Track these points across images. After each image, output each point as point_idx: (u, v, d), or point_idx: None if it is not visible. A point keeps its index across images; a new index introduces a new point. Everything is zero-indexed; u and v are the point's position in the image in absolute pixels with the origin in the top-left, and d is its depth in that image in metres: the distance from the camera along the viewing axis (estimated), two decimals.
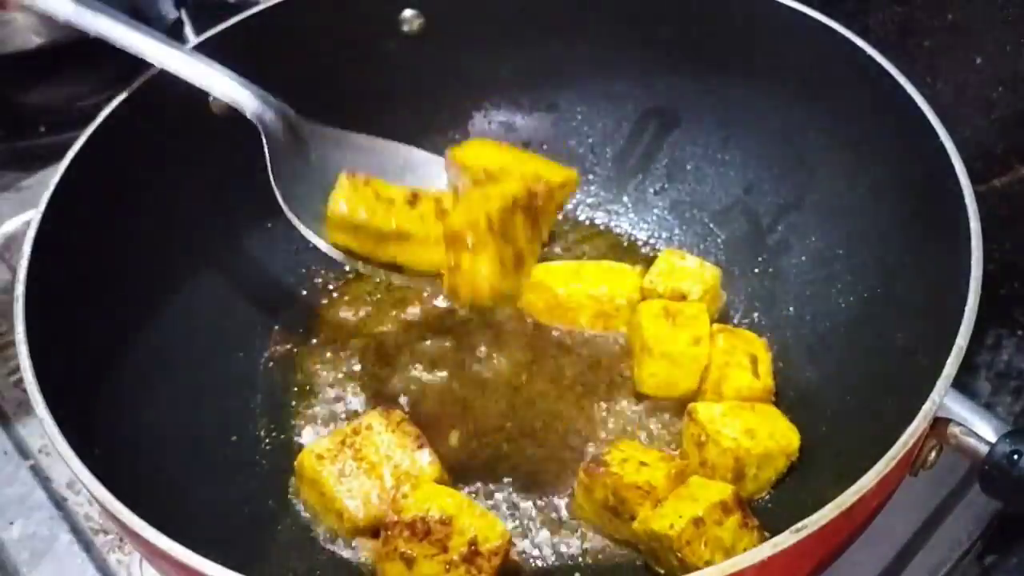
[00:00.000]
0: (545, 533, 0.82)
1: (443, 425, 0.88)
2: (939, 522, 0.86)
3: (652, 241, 1.03)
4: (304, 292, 0.99)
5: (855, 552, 0.68)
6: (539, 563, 0.80)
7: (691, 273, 0.93)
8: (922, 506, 0.87)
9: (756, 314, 0.94)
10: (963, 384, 0.94)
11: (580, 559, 0.80)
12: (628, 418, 0.88)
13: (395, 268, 0.79)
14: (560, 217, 1.05)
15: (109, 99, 0.84)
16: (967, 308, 0.66)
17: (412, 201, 0.77)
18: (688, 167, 1.03)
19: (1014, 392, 0.95)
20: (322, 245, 0.79)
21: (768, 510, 0.80)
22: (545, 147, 1.06)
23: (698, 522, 0.72)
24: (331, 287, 1.00)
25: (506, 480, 0.85)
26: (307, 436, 0.89)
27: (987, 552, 0.84)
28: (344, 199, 0.77)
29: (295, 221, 0.79)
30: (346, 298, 0.99)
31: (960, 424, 0.66)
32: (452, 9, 0.99)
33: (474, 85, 1.05)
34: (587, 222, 1.05)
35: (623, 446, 0.81)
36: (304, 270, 1.00)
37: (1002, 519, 0.85)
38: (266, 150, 0.81)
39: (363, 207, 0.77)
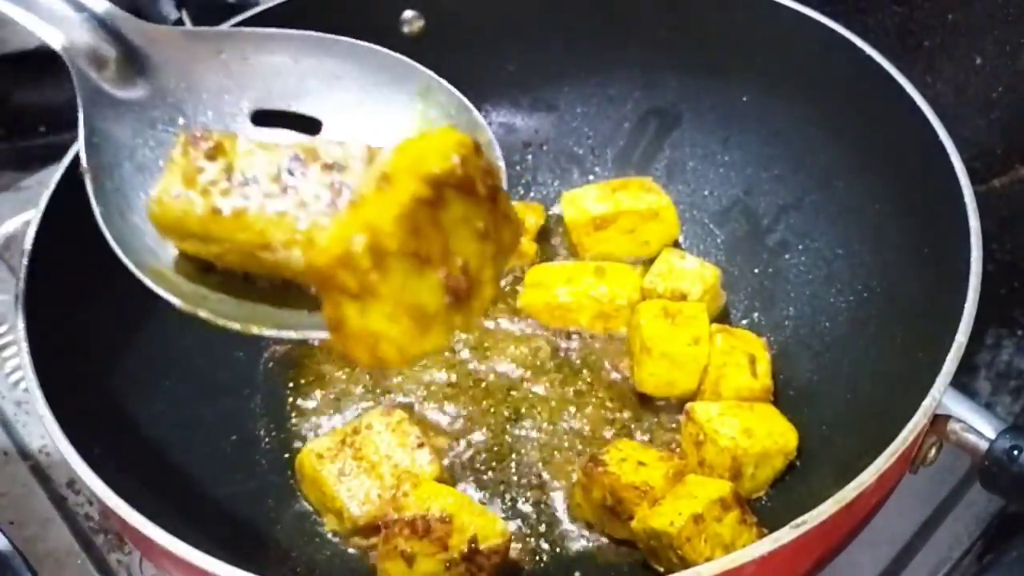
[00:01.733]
0: (544, 533, 0.81)
1: (443, 425, 0.89)
2: (939, 522, 0.86)
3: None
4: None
5: (855, 552, 0.68)
6: (538, 563, 0.80)
7: (691, 273, 0.92)
8: (922, 505, 0.87)
9: (756, 314, 0.94)
10: (963, 384, 0.94)
11: (579, 558, 0.80)
12: (628, 418, 0.88)
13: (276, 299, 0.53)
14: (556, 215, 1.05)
15: None
16: (967, 306, 0.66)
17: (292, 171, 0.46)
18: (688, 167, 1.03)
19: (1014, 392, 0.95)
20: (149, 283, 0.54)
21: (768, 508, 0.80)
22: (545, 147, 1.06)
23: (698, 519, 0.72)
24: None
25: (505, 481, 0.85)
26: (307, 436, 0.89)
27: (987, 552, 0.84)
28: (176, 184, 0.48)
29: (115, 248, 0.54)
30: None
31: (960, 421, 0.66)
32: (452, 10, 0.99)
33: (474, 85, 1.05)
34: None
35: (622, 445, 0.81)
36: None
37: (1002, 519, 0.85)
38: (80, 108, 0.56)
39: (200, 198, 0.48)
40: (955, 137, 0.77)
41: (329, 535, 0.81)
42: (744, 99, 0.97)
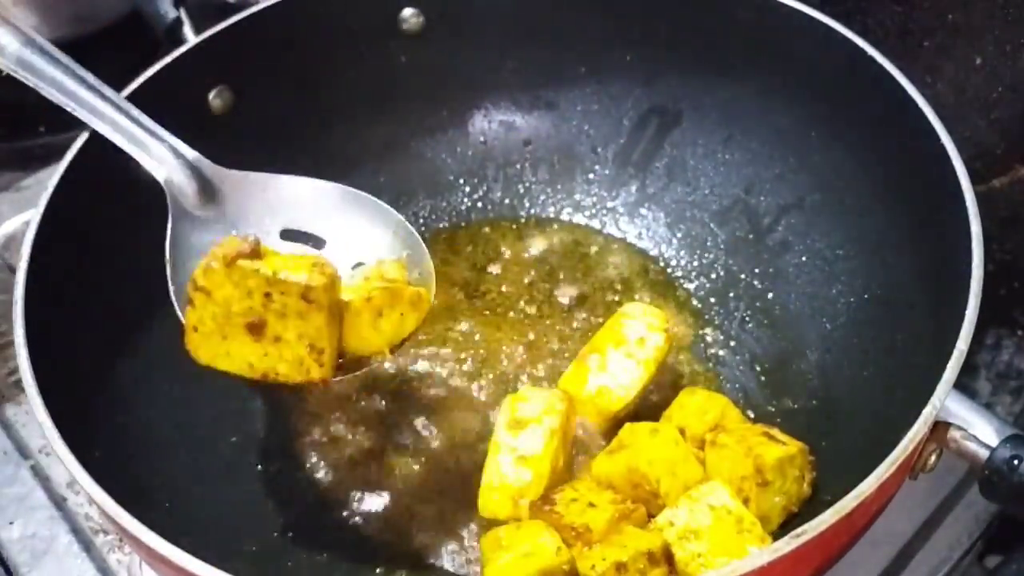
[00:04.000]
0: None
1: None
2: (939, 522, 0.86)
3: (652, 241, 1.02)
4: None
5: (855, 552, 0.68)
6: None
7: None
8: (922, 507, 0.87)
9: (756, 315, 0.94)
10: (963, 384, 0.93)
11: None
12: None
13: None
14: (556, 214, 1.05)
15: None
16: (968, 311, 0.66)
17: (268, 294, 0.66)
18: (689, 166, 1.02)
19: (1014, 392, 0.95)
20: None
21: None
22: (545, 146, 1.06)
23: (620, 567, 0.70)
24: None
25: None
26: (307, 434, 0.89)
27: (987, 553, 0.85)
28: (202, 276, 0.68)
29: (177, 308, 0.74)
30: None
31: (960, 428, 0.66)
32: (452, 8, 0.99)
33: (474, 84, 1.05)
34: (585, 223, 1.05)
35: (579, 485, 0.78)
36: None
37: (1002, 520, 0.85)
38: (170, 220, 0.77)
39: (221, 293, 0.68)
40: (955, 137, 0.76)
41: (331, 537, 0.81)
42: (745, 98, 0.97)
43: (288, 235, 0.82)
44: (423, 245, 0.81)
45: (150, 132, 0.79)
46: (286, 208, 0.82)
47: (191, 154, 0.79)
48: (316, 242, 0.82)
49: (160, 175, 0.78)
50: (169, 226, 0.78)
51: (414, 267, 0.80)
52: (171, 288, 0.75)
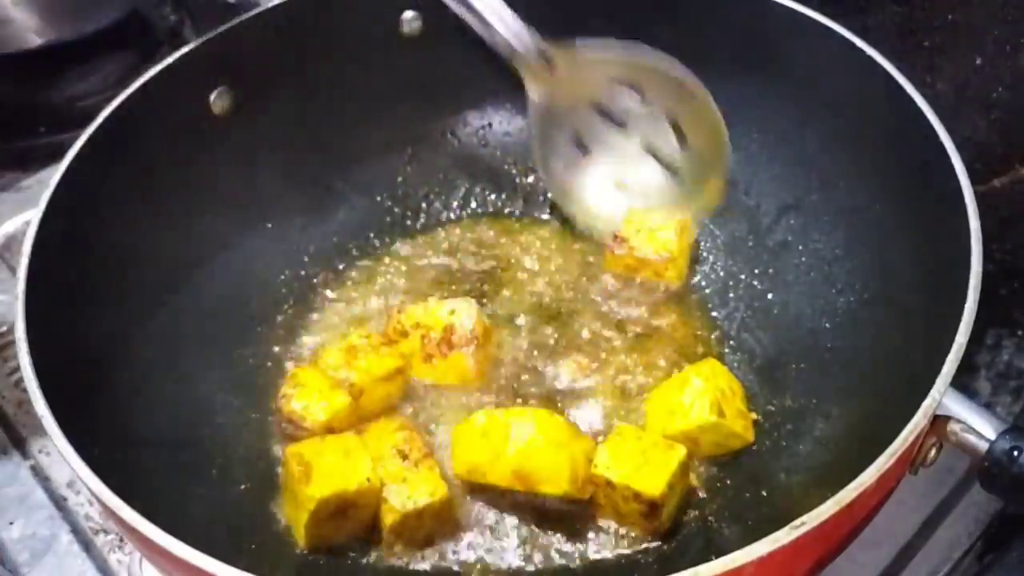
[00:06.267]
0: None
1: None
2: (939, 522, 0.86)
3: None
4: (304, 291, 0.99)
5: (855, 552, 0.68)
6: None
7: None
8: (922, 506, 0.87)
9: (756, 315, 0.94)
10: (963, 384, 0.93)
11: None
12: None
13: None
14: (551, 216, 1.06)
15: (109, 99, 0.84)
16: (967, 306, 0.66)
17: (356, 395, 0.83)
18: None
19: (1014, 392, 0.95)
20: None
21: (766, 509, 0.80)
22: None
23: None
24: (331, 287, 1.00)
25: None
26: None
27: (987, 552, 0.84)
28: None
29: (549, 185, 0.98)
30: (348, 296, 0.99)
31: (960, 422, 0.66)
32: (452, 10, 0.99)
33: (474, 86, 1.06)
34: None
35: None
36: (303, 271, 1.00)
37: (1002, 519, 0.85)
38: (530, 115, 0.95)
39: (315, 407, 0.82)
40: (955, 137, 0.76)
41: None
42: (745, 98, 0.97)
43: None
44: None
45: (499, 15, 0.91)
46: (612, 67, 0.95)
47: (533, 36, 0.92)
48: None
49: (517, 46, 0.92)
50: (529, 94, 0.95)
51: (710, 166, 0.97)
52: (537, 149, 0.99)
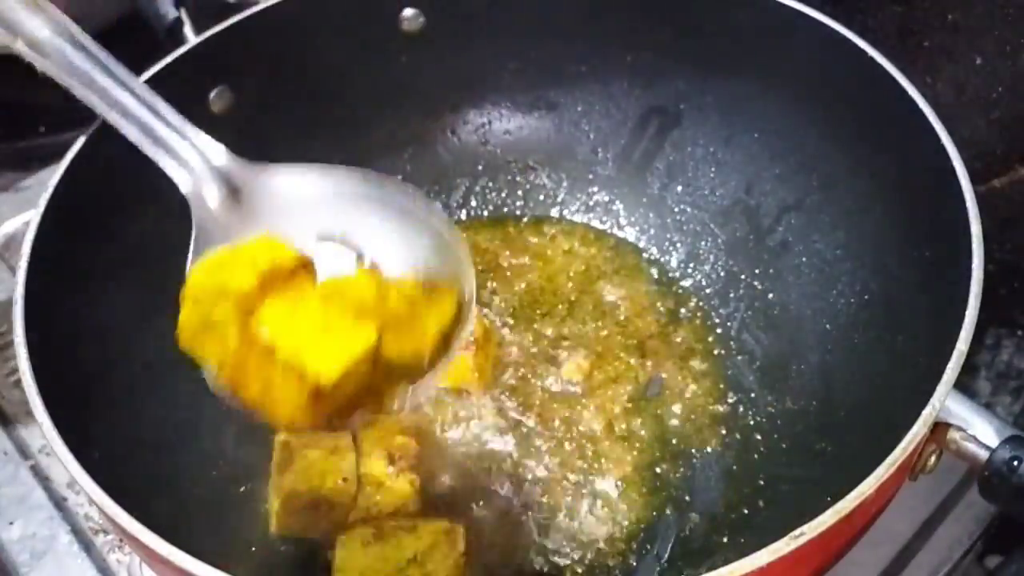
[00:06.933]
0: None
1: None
2: (939, 522, 0.86)
3: (652, 242, 1.03)
4: None
5: (855, 552, 0.68)
6: None
7: None
8: (922, 507, 0.87)
9: (756, 316, 0.94)
10: (963, 384, 0.93)
11: None
12: None
13: None
14: (557, 215, 1.05)
15: None
16: (968, 311, 0.66)
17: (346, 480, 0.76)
18: (689, 167, 1.02)
19: (1014, 392, 0.95)
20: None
21: (765, 517, 0.80)
22: (545, 146, 1.06)
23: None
24: None
25: None
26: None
27: (987, 553, 0.84)
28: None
29: None
30: None
31: (960, 429, 0.66)
32: (452, 9, 0.99)
33: (475, 84, 1.06)
34: (585, 223, 1.05)
35: None
36: None
37: (1002, 520, 0.85)
38: (194, 226, 0.73)
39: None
40: (955, 137, 0.76)
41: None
42: (745, 98, 0.97)
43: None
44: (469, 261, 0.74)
45: (178, 132, 0.72)
46: (320, 208, 0.73)
47: (221, 160, 0.73)
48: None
49: (185, 185, 0.72)
50: (193, 233, 0.73)
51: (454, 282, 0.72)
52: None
